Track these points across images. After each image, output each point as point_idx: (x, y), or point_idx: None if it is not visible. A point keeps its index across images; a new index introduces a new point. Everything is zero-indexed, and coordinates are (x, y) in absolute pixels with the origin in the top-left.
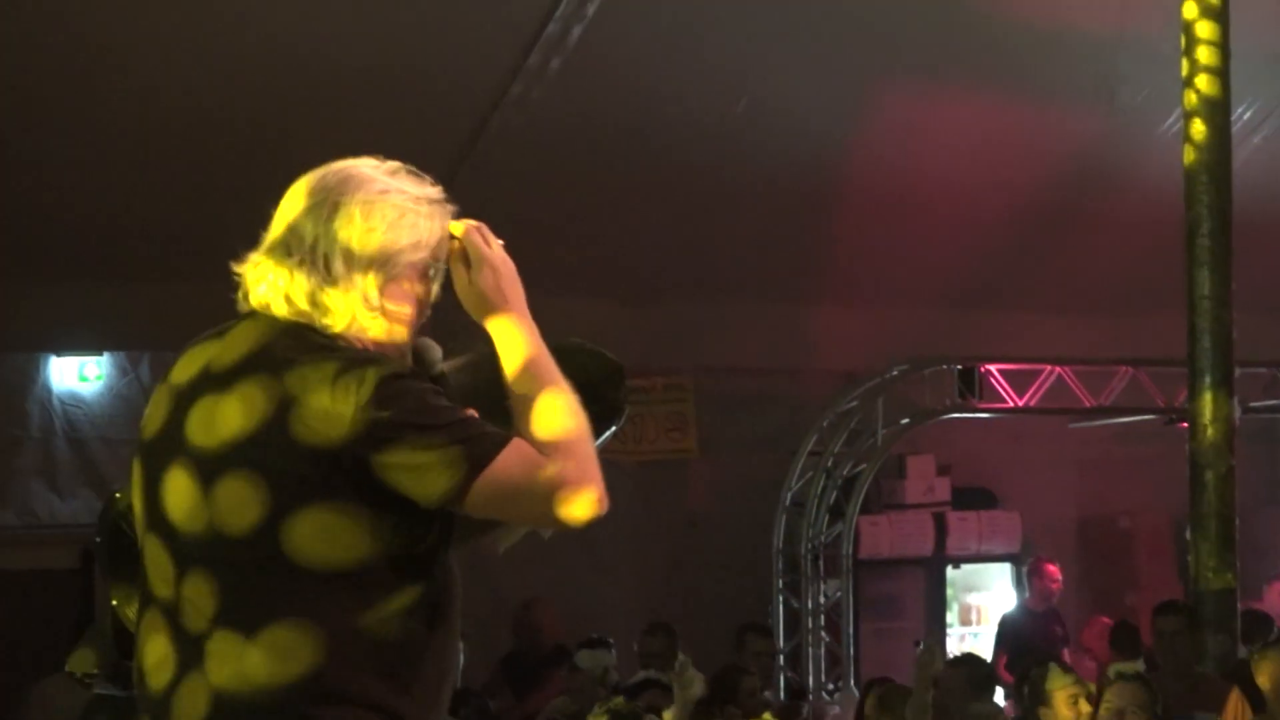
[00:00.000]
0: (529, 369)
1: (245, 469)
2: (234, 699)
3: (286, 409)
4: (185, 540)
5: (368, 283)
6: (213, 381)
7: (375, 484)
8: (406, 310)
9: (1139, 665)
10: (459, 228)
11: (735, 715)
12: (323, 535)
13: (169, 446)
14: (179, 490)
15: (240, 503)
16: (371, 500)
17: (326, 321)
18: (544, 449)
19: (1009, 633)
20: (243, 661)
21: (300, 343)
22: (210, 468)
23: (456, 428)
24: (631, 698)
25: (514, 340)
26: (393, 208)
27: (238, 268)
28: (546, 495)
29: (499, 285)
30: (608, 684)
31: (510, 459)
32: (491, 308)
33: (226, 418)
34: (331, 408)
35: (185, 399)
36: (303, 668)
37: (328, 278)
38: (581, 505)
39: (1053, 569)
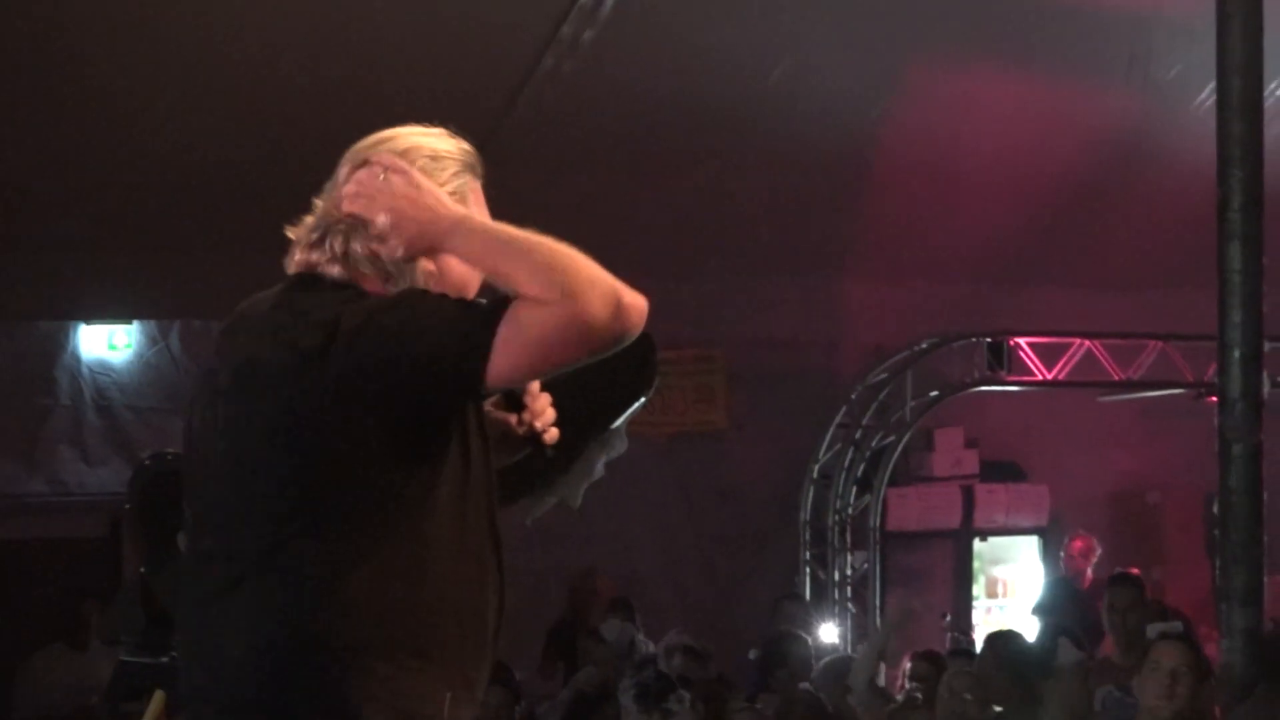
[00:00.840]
0: (497, 244)
1: None
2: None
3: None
4: None
5: None
6: None
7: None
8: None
9: (1179, 626)
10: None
11: (786, 679)
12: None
13: None
14: None
15: None
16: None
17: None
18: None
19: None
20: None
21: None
22: None
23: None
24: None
25: (470, 239)
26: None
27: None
28: (566, 313)
29: (414, 213)
30: (635, 655)
31: (518, 307)
32: (428, 236)
33: None
34: None
35: None
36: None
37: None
38: (602, 304)
39: (1079, 544)
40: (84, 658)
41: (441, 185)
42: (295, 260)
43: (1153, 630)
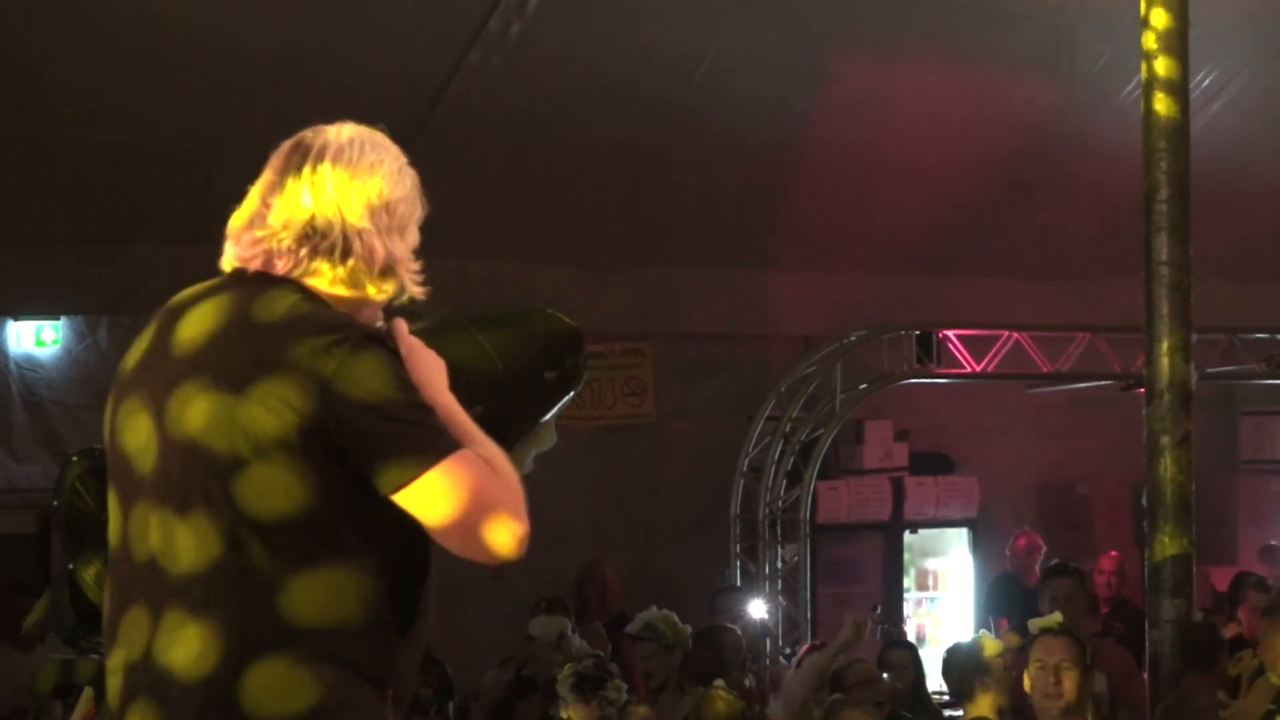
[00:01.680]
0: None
1: None
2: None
3: None
4: None
5: None
6: None
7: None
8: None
9: (1057, 618)
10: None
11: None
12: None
13: None
14: None
15: None
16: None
17: None
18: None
19: (1000, 598)
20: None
21: None
22: None
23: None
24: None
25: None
26: None
27: None
28: (486, 513)
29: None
30: (565, 649)
31: (463, 464)
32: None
33: None
34: None
35: None
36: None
37: None
38: (509, 538)
39: (1023, 541)
40: (29, 658)
41: (403, 196)
42: (263, 262)
43: (1033, 626)
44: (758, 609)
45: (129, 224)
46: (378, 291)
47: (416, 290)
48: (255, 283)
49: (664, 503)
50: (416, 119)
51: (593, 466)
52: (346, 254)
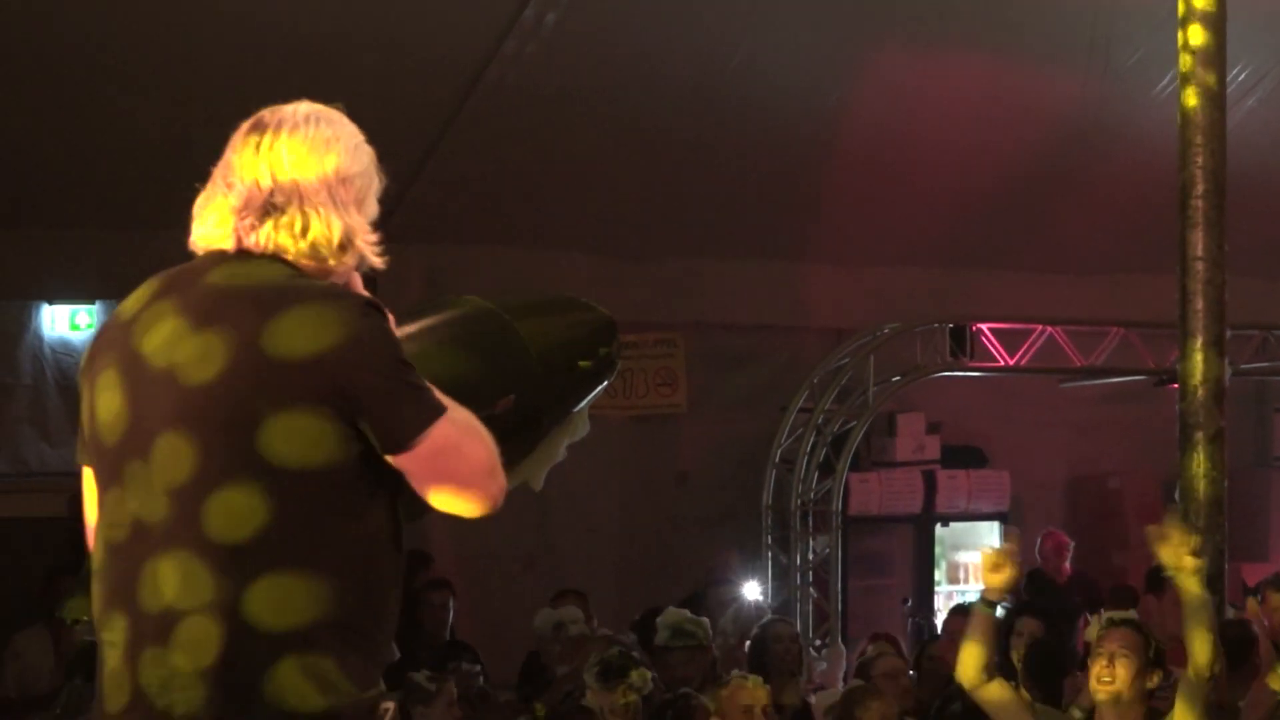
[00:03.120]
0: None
1: None
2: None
3: None
4: None
5: None
6: None
7: None
8: None
9: (1132, 613)
10: None
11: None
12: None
13: None
14: None
15: None
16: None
17: None
18: None
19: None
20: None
21: None
22: None
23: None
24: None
25: None
26: None
27: None
28: (475, 470)
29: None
30: (560, 636)
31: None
32: None
33: None
34: None
35: None
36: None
37: None
38: (495, 492)
39: (1049, 544)
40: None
41: (360, 170)
42: (262, 242)
43: (1104, 618)
44: (752, 591)
45: (164, 208)
46: (338, 263)
47: (377, 261)
48: (242, 262)
49: (695, 493)
50: (451, 108)
51: (624, 456)
52: (306, 228)
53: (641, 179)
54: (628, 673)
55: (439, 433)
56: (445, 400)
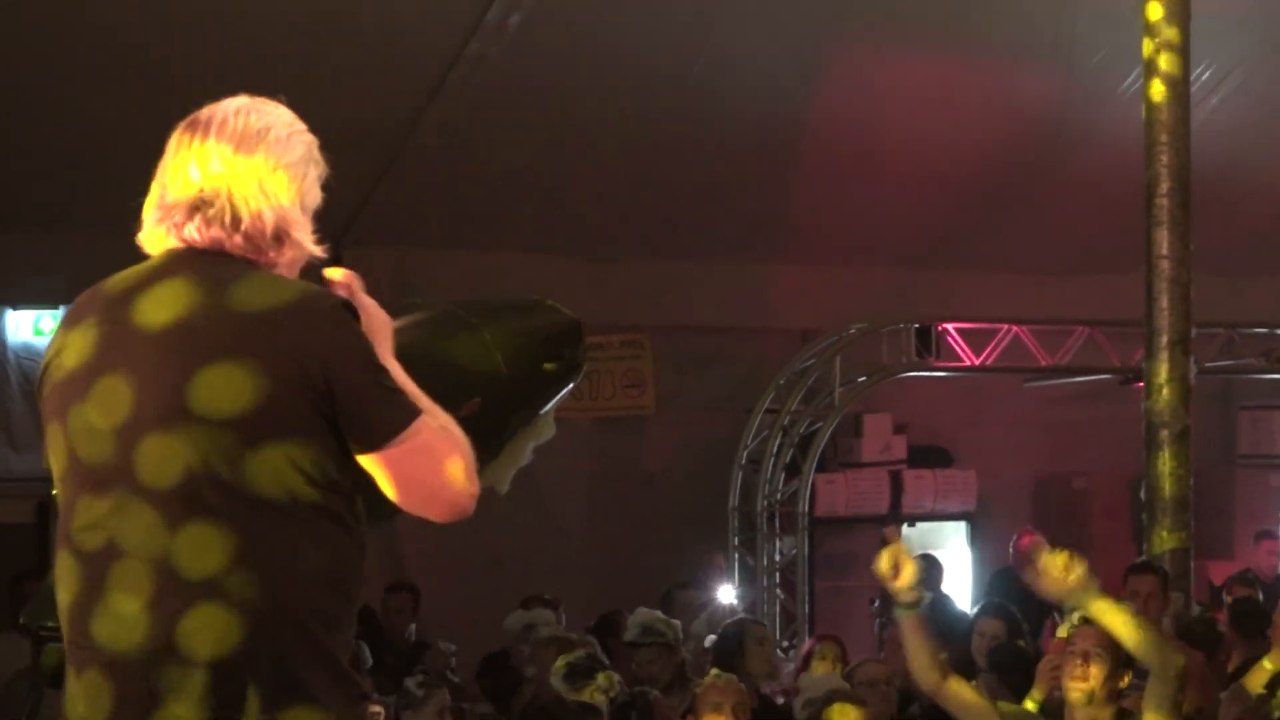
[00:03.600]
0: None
1: None
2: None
3: None
4: None
5: None
6: None
7: None
8: None
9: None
10: (338, 273)
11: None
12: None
13: None
14: None
15: None
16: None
17: None
18: None
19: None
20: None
21: None
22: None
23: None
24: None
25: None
26: None
27: None
28: (447, 475)
29: (372, 331)
30: (530, 638)
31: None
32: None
33: None
34: None
35: None
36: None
37: None
38: (466, 498)
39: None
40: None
41: (292, 161)
42: (199, 237)
43: (1076, 616)
44: (726, 594)
45: (130, 213)
46: (277, 255)
47: (316, 250)
48: (205, 261)
49: (662, 495)
50: (416, 110)
51: (591, 458)
52: (237, 223)
53: (607, 181)
54: (594, 675)
55: (414, 433)
56: (425, 402)
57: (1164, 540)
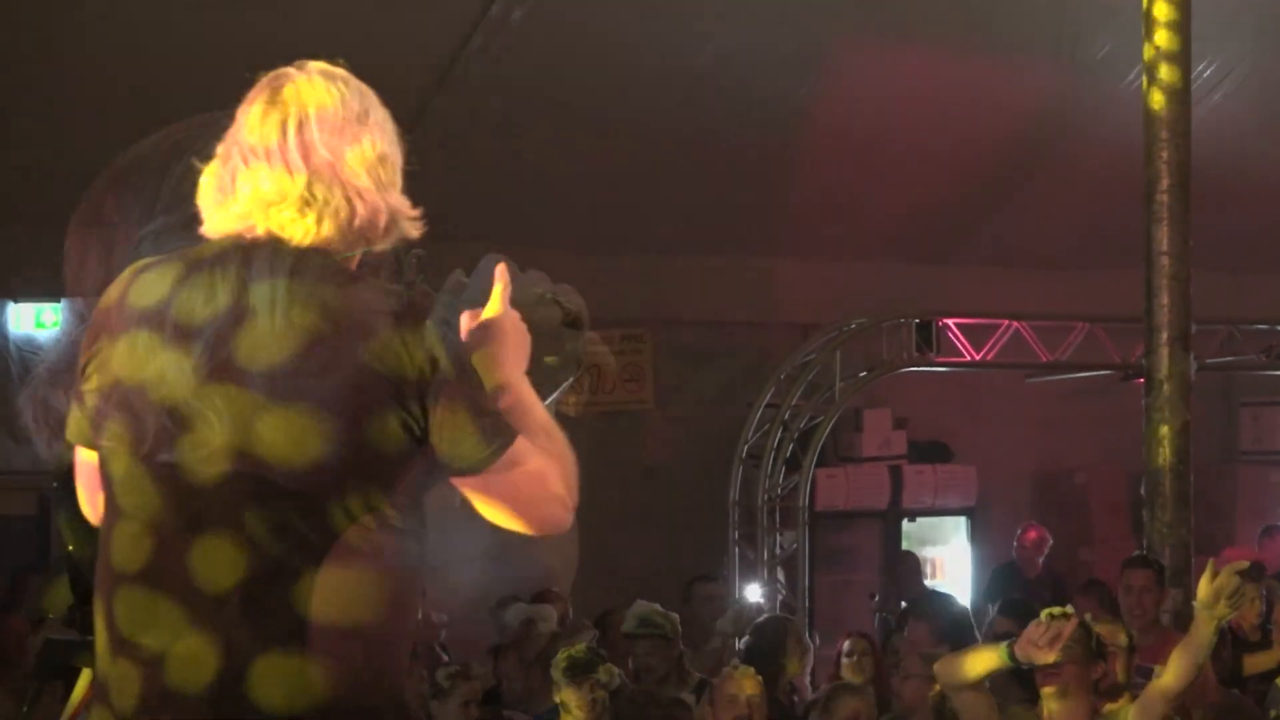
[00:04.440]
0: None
1: None
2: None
3: None
4: None
5: None
6: None
7: None
8: None
9: (1068, 609)
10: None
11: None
12: None
13: None
14: None
15: None
16: None
17: None
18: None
19: (1001, 588)
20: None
21: None
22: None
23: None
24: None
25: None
26: None
27: None
28: (545, 501)
29: (514, 342)
30: (532, 634)
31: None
32: (501, 365)
33: None
34: None
35: None
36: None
37: None
38: (560, 518)
39: (1033, 535)
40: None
41: (393, 145)
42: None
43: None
44: (754, 593)
45: None
46: (384, 245)
47: (416, 232)
48: (282, 253)
49: (662, 489)
50: (418, 104)
51: (591, 452)
52: (353, 216)
53: (608, 175)
54: (595, 669)
55: (509, 463)
56: (533, 416)
57: (1164, 535)
